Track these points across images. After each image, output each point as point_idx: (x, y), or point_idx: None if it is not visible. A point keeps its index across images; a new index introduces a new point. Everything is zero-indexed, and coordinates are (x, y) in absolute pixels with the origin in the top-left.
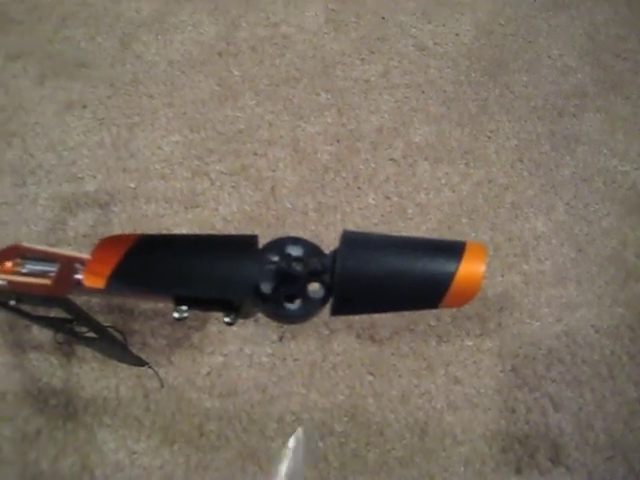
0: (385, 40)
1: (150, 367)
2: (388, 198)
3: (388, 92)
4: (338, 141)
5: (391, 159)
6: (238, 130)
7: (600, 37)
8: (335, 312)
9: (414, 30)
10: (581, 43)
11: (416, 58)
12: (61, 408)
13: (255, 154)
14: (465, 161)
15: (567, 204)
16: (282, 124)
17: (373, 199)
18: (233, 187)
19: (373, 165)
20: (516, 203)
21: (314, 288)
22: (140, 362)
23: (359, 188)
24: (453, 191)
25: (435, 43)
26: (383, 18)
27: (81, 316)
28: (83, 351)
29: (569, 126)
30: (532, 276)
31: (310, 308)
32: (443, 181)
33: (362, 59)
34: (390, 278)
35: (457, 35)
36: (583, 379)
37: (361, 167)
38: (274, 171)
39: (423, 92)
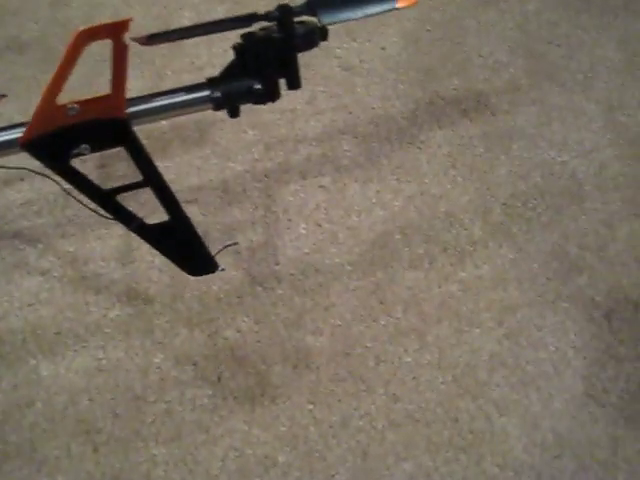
0: (309, 66)
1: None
2: (319, 226)
3: (315, 119)
4: (266, 176)
5: (320, 186)
6: (168, 180)
7: (531, 27)
8: None
9: (339, 51)
10: (512, 36)
11: (342, 79)
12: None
13: (186, 201)
14: (396, 176)
15: (504, 204)
16: (211, 167)
17: (304, 229)
18: None
19: (302, 195)
20: (450, 212)
21: None
22: (212, 266)
23: (290, 220)
24: (385, 209)
25: (361, 60)
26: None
27: (144, 158)
28: None
29: (503, 124)
30: (470, 283)
31: None
32: (374, 200)
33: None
34: None
35: (383, 49)
36: (527, 380)
37: (290, 199)
38: (206, 215)
39: (350, 113)
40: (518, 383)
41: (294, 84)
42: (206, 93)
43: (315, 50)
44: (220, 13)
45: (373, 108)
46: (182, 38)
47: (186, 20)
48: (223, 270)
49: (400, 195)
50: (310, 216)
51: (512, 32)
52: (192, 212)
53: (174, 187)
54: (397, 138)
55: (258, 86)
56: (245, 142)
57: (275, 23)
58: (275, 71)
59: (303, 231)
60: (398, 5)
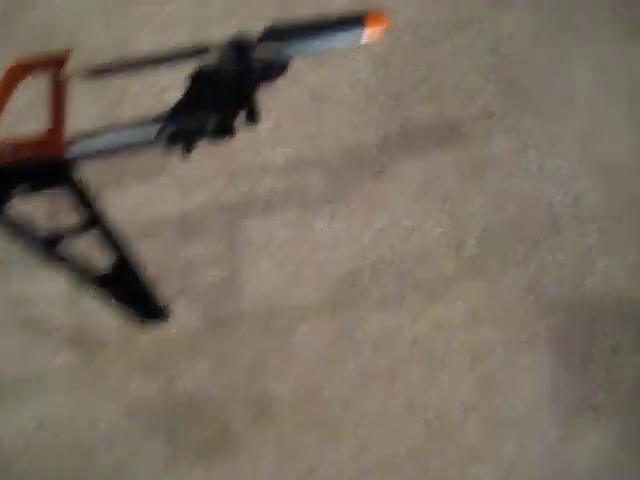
0: (277, 91)
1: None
2: (284, 263)
3: (281, 147)
4: (230, 208)
5: (286, 220)
6: (122, 214)
7: (505, 51)
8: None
9: (307, 76)
10: (486, 61)
11: (310, 106)
12: None
13: (142, 235)
14: (366, 208)
15: (478, 237)
16: (169, 199)
17: (268, 266)
18: None
19: (267, 229)
20: (423, 245)
21: None
22: (163, 313)
23: (252, 257)
24: (354, 244)
25: (330, 87)
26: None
27: (87, 200)
28: None
29: (477, 152)
30: (442, 322)
31: None
32: (342, 235)
33: None
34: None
35: (352, 74)
36: (502, 425)
37: (254, 233)
38: (162, 251)
39: (318, 142)
40: (492, 428)
41: (253, 118)
42: (155, 129)
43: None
44: (181, 35)
45: (341, 137)
46: (128, 72)
47: (145, 43)
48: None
49: (370, 228)
50: (275, 252)
51: (485, 56)
52: (148, 247)
53: (129, 220)
54: (367, 168)
55: (213, 121)
56: (207, 171)
57: (232, 53)
58: (232, 105)
59: (267, 268)
60: (364, 40)
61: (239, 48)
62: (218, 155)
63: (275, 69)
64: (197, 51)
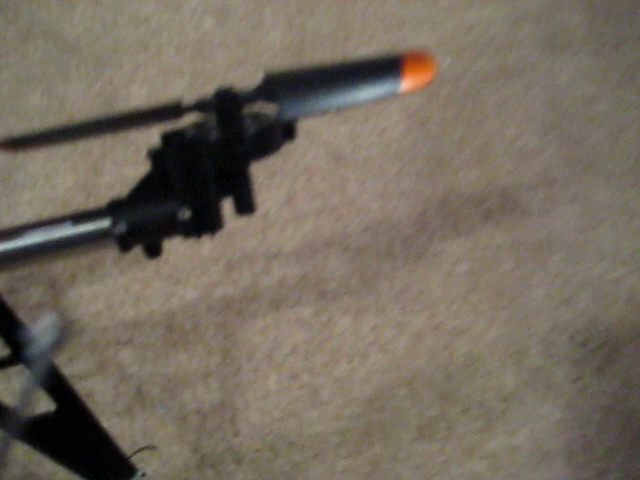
0: (288, 155)
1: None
2: (295, 378)
3: (294, 225)
4: (227, 307)
5: (299, 320)
6: (96, 311)
7: (565, 103)
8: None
9: (327, 135)
10: (542, 115)
11: (330, 172)
12: None
13: (117, 343)
14: (400, 304)
15: (544, 341)
16: (153, 294)
17: (275, 383)
18: (87, 394)
19: (274, 334)
20: (473, 353)
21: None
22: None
23: (256, 370)
24: (385, 351)
25: (354, 147)
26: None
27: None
28: None
29: (537, 229)
30: (502, 458)
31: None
32: (370, 339)
33: (258, 186)
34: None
35: (382, 132)
36: None
37: (258, 339)
38: (143, 363)
39: (340, 217)
40: None
41: (244, 207)
42: (105, 224)
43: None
44: (179, 89)
45: (369, 210)
46: (65, 141)
47: (135, 99)
48: (144, 476)
49: (405, 331)
50: (284, 364)
51: (542, 110)
52: (124, 359)
53: (103, 321)
54: (401, 251)
55: (186, 212)
56: (200, 259)
57: (214, 116)
58: (214, 189)
59: (274, 386)
60: (403, 89)
61: (223, 108)
62: (215, 237)
63: (275, 136)
64: (165, 111)
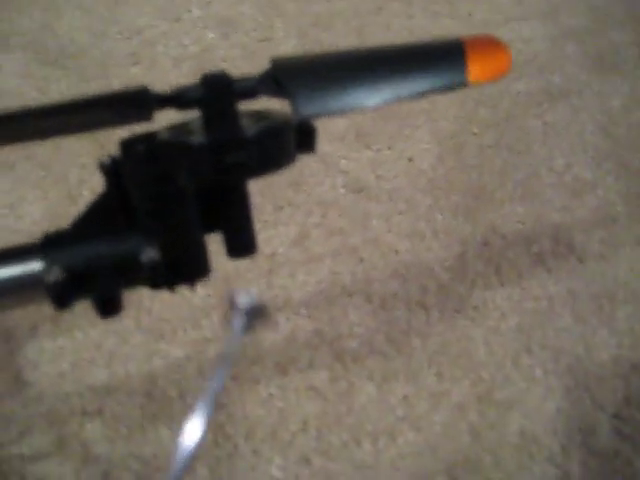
0: (300, 185)
1: None
2: (306, 462)
3: (306, 269)
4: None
5: (310, 388)
6: (59, 373)
7: (620, 130)
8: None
9: (345, 162)
10: (594, 143)
11: (349, 205)
12: None
13: (83, 413)
14: (435, 369)
15: (615, 417)
16: (131, 351)
17: (280, 469)
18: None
19: (279, 405)
20: (528, 432)
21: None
22: None
23: (255, 452)
24: (418, 429)
25: (378, 177)
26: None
27: None
28: None
29: (597, 276)
30: None
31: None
32: (400, 413)
33: (264, 222)
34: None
35: (411, 160)
36: None
37: (259, 412)
38: (113, 441)
39: (362, 260)
40: None
41: (240, 245)
42: (35, 267)
43: (309, 161)
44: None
45: (397, 252)
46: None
47: None
48: None
49: (443, 403)
50: (291, 444)
51: (594, 137)
52: (90, 435)
53: (66, 386)
54: (436, 303)
55: (154, 253)
56: (190, 309)
57: (198, 114)
58: (195, 219)
59: (278, 473)
60: (472, 78)
61: (213, 101)
62: (209, 281)
63: (285, 143)
64: (126, 107)
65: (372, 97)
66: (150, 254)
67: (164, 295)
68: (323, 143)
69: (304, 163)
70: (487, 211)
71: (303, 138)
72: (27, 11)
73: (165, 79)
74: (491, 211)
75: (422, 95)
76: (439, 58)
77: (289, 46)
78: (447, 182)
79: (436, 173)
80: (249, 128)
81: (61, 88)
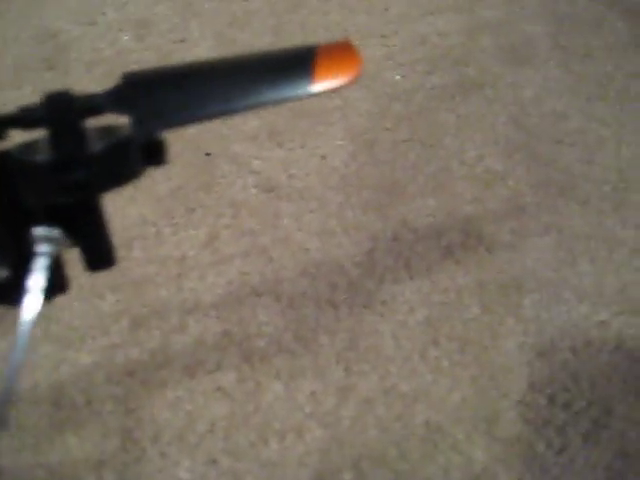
0: (211, 187)
1: None
2: (213, 463)
3: (215, 271)
4: (130, 374)
5: (218, 389)
6: None
7: (531, 120)
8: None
9: (257, 162)
10: (506, 134)
11: (260, 205)
12: None
13: None
14: (344, 365)
15: (520, 403)
16: (40, 360)
17: (187, 470)
18: None
19: (187, 407)
20: (434, 423)
21: None
22: None
23: (163, 455)
24: (325, 426)
25: (290, 176)
26: (208, 155)
27: None
28: None
29: (505, 267)
30: None
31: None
32: (307, 409)
33: (174, 224)
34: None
35: (323, 158)
36: None
37: (167, 415)
38: (19, 451)
39: (272, 259)
40: None
41: (96, 259)
42: None
43: (220, 162)
44: None
45: (307, 250)
46: None
47: None
48: None
49: (351, 398)
50: (199, 446)
51: (506, 128)
52: None
53: None
54: (345, 299)
55: (3, 271)
56: (98, 314)
57: (47, 131)
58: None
59: (186, 475)
60: (315, 88)
61: (57, 119)
62: (119, 287)
63: (131, 157)
64: None
65: (212, 109)
66: (0, 272)
67: (73, 303)
68: (235, 143)
69: (215, 165)
70: (398, 206)
71: (151, 152)
72: None
73: (79, 84)
74: (402, 205)
75: (266, 104)
76: (287, 68)
77: (204, 47)
78: (359, 178)
79: (348, 170)
80: (95, 145)
81: None
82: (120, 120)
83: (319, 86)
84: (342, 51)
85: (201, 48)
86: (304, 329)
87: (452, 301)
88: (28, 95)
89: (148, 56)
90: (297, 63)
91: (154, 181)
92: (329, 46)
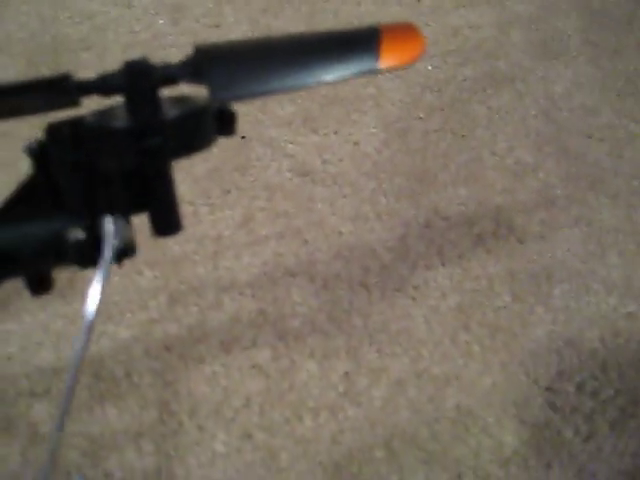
0: (246, 169)
1: None
2: (248, 437)
3: (251, 251)
4: (168, 349)
5: (254, 366)
6: (7, 355)
7: (562, 115)
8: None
9: (291, 147)
10: (537, 127)
11: (295, 189)
12: None
13: (31, 394)
14: (376, 347)
15: (548, 389)
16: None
17: (223, 444)
18: None
19: (224, 382)
20: (464, 406)
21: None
22: None
23: (200, 428)
24: (358, 404)
25: (324, 161)
26: (243, 137)
27: None
28: None
29: (536, 256)
30: None
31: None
32: (340, 389)
33: (210, 205)
34: None
35: (356, 144)
36: None
37: (204, 389)
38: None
39: (306, 242)
40: None
41: (165, 224)
42: None
43: (255, 145)
44: None
45: (341, 233)
46: None
47: None
48: None
49: (383, 379)
50: (234, 420)
51: (537, 122)
52: (37, 415)
53: (14, 368)
54: (377, 282)
55: (79, 232)
56: (137, 290)
57: (122, 98)
58: (120, 199)
59: (221, 448)
60: (382, 65)
61: (136, 87)
62: (157, 264)
63: (204, 126)
64: (51, 93)
65: (284, 82)
66: (77, 234)
67: (113, 278)
68: (270, 128)
69: (251, 148)
70: (430, 194)
71: (223, 122)
72: None
73: (114, 66)
74: (434, 193)
75: (334, 80)
76: (353, 45)
77: (239, 32)
78: (392, 166)
79: (381, 157)
80: (170, 113)
81: (9, 75)
82: (192, 91)
83: (385, 62)
84: (406, 31)
85: (236, 33)
86: (337, 310)
87: (483, 288)
88: None
89: (183, 40)
90: (364, 40)
91: (191, 162)
92: (393, 25)
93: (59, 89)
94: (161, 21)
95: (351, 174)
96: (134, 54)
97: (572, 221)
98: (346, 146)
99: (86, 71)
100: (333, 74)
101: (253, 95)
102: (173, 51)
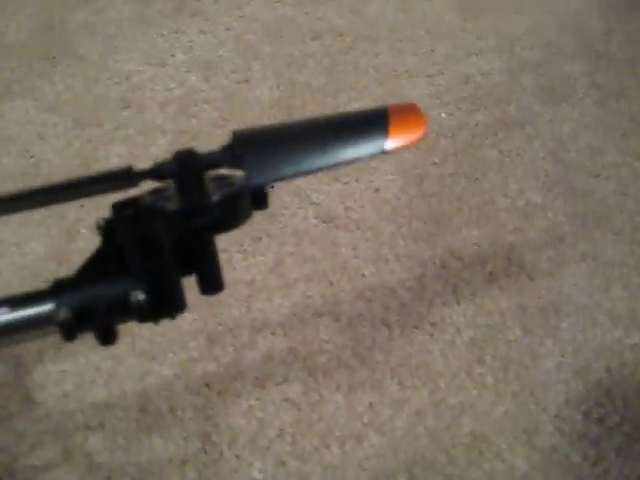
0: (275, 217)
1: None
2: (282, 464)
3: (281, 293)
4: (207, 386)
5: (286, 399)
6: (64, 393)
7: (569, 155)
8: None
9: (316, 195)
10: (545, 169)
11: (320, 235)
12: None
13: (86, 427)
14: (398, 379)
15: (557, 417)
16: (126, 373)
17: (260, 471)
18: None
19: (259, 415)
20: (479, 433)
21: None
22: None
23: (238, 457)
24: (382, 433)
25: (346, 208)
26: (272, 187)
27: None
28: None
29: (545, 292)
30: None
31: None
32: (365, 419)
33: (243, 251)
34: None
35: (376, 191)
36: None
37: (241, 422)
38: (113, 451)
39: (332, 284)
40: None
41: (210, 286)
42: (48, 308)
43: (282, 194)
44: (161, 147)
45: (363, 275)
46: (8, 213)
47: (114, 159)
48: None
49: (404, 409)
50: (269, 449)
51: (545, 163)
52: (92, 446)
53: (71, 404)
54: (397, 320)
55: (141, 294)
56: (179, 332)
57: (172, 182)
58: (173, 266)
59: (258, 475)
60: (388, 146)
61: (185, 174)
62: (196, 307)
63: (243, 205)
64: (117, 177)
65: (309, 166)
66: (138, 295)
67: None
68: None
69: (278, 197)
70: (446, 235)
71: (258, 199)
72: (26, 61)
73: (153, 122)
74: (449, 235)
75: (350, 162)
76: (365, 127)
77: (266, 87)
78: (409, 210)
79: (399, 202)
80: (214, 194)
81: (58, 132)
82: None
83: (392, 143)
84: (410, 111)
85: (263, 88)
86: (361, 347)
87: (496, 323)
88: (109, 132)
89: (215, 95)
90: (374, 123)
91: None
92: (398, 106)
93: (123, 179)
94: (193, 78)
95: (372, 219)
96: (170, 110)
97: (579, 257)
98: (367, 193)
99: (127, 130)
100: (349, 155)
101: (283, 179)
102: (206, 107)
